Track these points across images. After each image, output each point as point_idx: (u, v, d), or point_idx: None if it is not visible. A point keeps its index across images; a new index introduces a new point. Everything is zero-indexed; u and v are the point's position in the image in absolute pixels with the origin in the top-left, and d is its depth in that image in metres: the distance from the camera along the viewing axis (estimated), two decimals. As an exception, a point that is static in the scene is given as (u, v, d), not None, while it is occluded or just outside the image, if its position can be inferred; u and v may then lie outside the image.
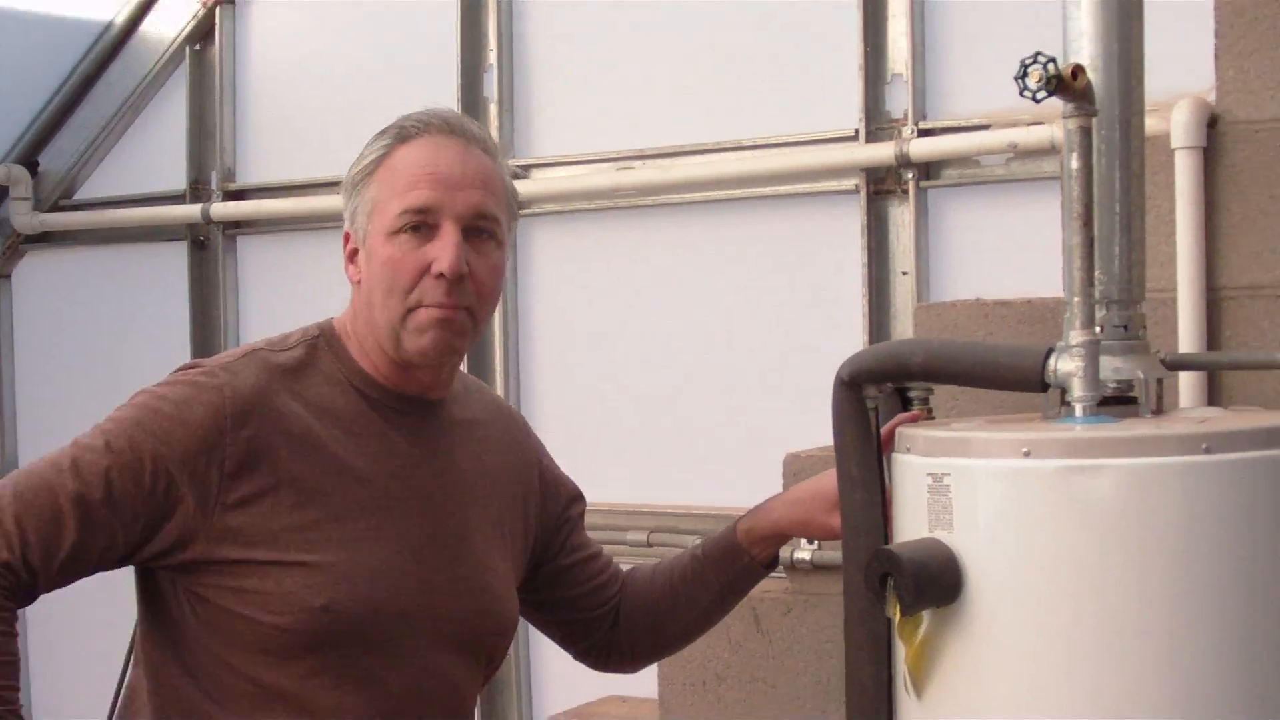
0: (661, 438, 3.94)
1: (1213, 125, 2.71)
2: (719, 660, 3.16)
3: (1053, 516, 1.65)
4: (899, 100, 3.59)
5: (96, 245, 5.00)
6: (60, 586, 1.72)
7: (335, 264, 1.91)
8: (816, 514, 2.04)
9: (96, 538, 1.70)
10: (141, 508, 1.71)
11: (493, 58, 4.18)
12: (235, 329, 4.72)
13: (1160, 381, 1.95)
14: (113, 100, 4.88)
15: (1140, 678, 1.62)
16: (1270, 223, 2.66)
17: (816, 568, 3.10)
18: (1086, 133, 1.80)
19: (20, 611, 1.71)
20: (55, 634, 4.70)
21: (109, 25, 4.85)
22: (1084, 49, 1.95)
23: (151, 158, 4.86)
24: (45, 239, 5.08)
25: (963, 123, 3.49)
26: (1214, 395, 2.67)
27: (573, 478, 2.15)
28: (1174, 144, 2.69)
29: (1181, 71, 2.77)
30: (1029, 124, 3.26)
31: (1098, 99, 1.83)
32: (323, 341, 1.87)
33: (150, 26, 4.83)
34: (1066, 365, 1.74)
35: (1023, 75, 1.73)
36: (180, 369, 1.82)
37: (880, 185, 3.62)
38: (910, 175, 3.55)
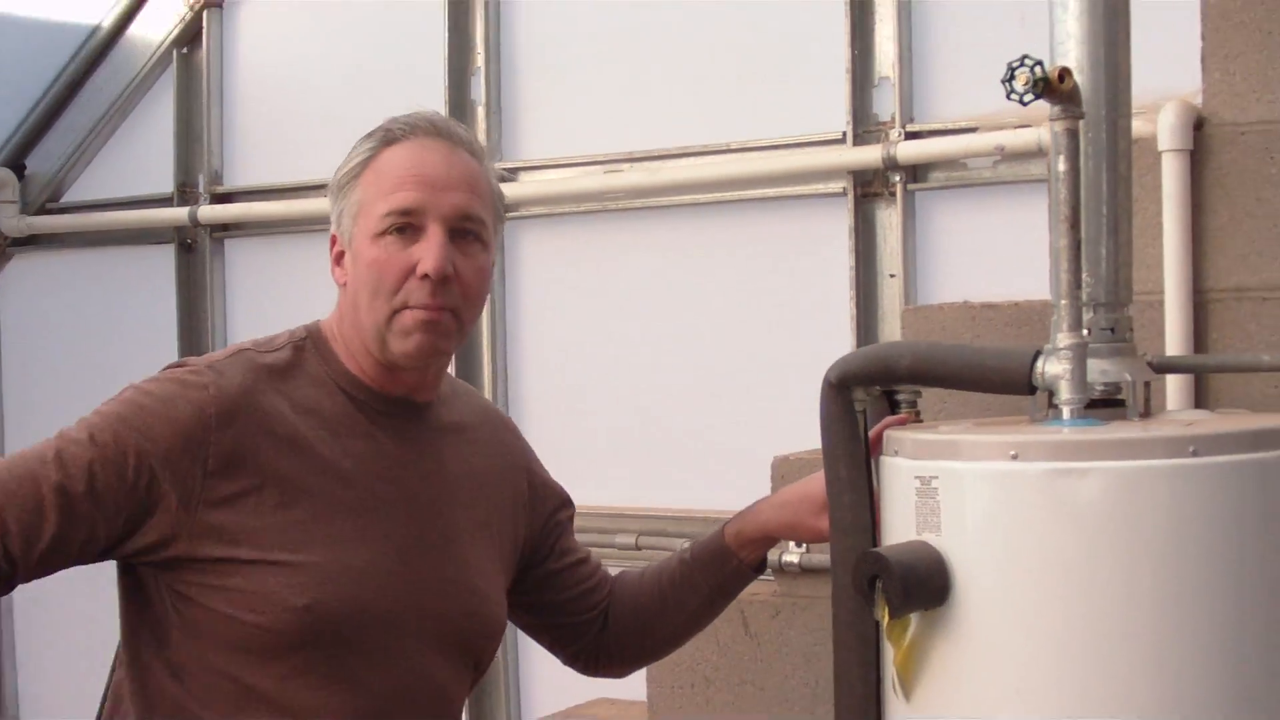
0: (649, 440, 3.93)
1: (1199, 128, 2.72)
2: (708, 663, 3.16)
3: (1040, 519, 1.65)
4: (886, 103, 3.58)
5: (84, 248, 4.99)
6: (39, 577, 1.71)
7: (322, 267, 1.91)
8: (805, 517, 2.04)
9: (77, 529, 1.69)
10: (123, 502, 1.71)
11: (480, 61, 4.17)
12: (223, 331, 4.71)
13: (1148, 384, 1.95)
14: (100, 103, 4.87)
15: (1128, 679, 1.62)
16: (1256, 225, 2.66)
17: (804, 571, 3.10)
18: (1073, 135, 1.80)
19: (5, 604, 1.70)
20: (44, 628, 4.67)
21: (96, 28, 4.84)
22: (1071, 52, 1.95)
23: (139, 161, 4.85)
24: (32, 242, 5.06)
25: (950, 126, 3.49)
26: (1201, 398, 2.68)
27: (560, 481, 2.15)
28: (1161, 146, 2.70)
29: (1168, 74, 2.78)
30: (1016, 127, 3.26)
31: (1084, 102, 1.83)
32: (310, 343, 1.87)
33: (138, 30, 4.82)
34: (1054, 368, 1.74)
35: (1010, 78, 1.73)
36: (168, 367, 1.83)
37: (868, 188, 3.61)
38: (897, 178, 3.55)
